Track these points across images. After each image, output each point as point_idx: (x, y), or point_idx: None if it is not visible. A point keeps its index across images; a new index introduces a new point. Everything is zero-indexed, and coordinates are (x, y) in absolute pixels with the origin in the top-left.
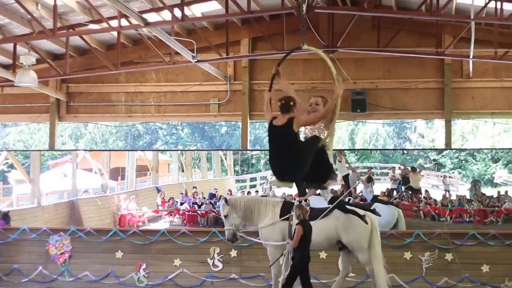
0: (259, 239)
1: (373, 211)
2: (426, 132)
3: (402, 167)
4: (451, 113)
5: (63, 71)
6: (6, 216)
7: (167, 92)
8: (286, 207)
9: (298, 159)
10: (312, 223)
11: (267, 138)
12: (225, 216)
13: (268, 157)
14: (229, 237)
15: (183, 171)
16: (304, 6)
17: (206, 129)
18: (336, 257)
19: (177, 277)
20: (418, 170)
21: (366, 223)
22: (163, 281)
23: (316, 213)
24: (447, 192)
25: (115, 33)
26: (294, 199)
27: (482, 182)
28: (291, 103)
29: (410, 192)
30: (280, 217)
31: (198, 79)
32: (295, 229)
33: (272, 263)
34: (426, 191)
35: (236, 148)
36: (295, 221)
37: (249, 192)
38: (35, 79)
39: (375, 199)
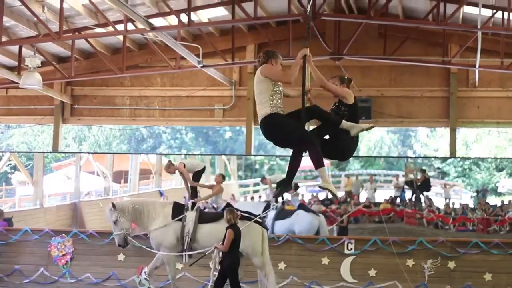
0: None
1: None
2: (429, 141)
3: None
4: (456, 122)
5: (68, 74)
6: (9, 221)
7: (171, 97)
8: (177, 208)
9: None
10: (206, 225)
11: (271, 144)
12: (114, 222)
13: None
14: (120, 242)
15: None
16: (310, 10)
17: (210, 134)
18: (338, 263)
19: (179, 280)
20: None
21: (267, 229)
22: (164, 284)
23: (209, 216)
24: (449, 200)
25: (121, 37)
26: (184, 198)
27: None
28: None
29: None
30: (172, 218)
31: (203, 84)
32: (225, 233)
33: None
34: (430, 199)
35: (240, 153)
36: (189, 223)
37: (252, 198)
38: (40, 81)
39: (301, 206)
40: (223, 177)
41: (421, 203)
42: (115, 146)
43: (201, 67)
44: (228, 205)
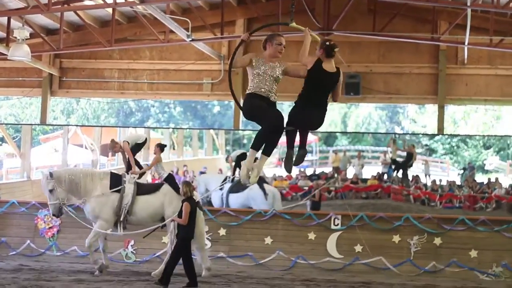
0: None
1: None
2: (418, 117)
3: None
4: (444, 99)
5: (56, 46)
6: None
7: (160, 70)
8: (115, 179)
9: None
10: (142, 198)
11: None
12: (50, 191)
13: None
14: (54, 212)
15: (174, 149)
16: None
17: (199, 108)
18: (324, 238)
19: (165, 254)
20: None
21: (201, 208)
22: (150, 257)
23: (146, 188)
24: (429, 176)
25: (110, 10)
26: (127, 172)
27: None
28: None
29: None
30: (110, 189)
31: (192, 58)
32: (181, 206)
33: (93, 237)
34: (417, 175)
35: (228, 128)
36: (129, 195)
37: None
38: (29, 53)
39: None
40: (162, 148)
41: (408, 179)
42: (103, 119)
43: (190, 41)
44: (170, 176)
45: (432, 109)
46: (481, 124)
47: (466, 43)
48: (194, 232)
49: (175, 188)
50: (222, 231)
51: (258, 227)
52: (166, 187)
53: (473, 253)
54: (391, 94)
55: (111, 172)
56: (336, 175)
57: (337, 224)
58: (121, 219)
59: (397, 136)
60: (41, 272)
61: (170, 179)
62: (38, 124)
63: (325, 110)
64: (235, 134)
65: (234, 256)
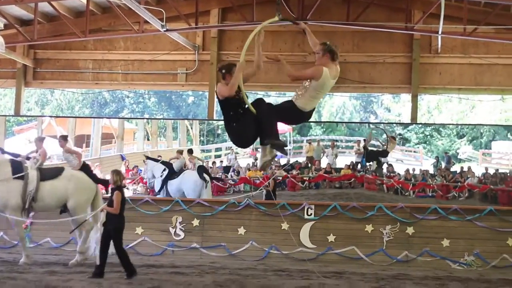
0: None
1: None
2: (392, 106)
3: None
4: (418, 88)
5: (30, 37)
6: None
7: (135, 61)
8: (16, 166)
9: None
10: (47, 183)
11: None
12: None
13: None
14: None
15: (148, 139)
16: None
17: (173, 98)
18: (298, 228)
19: (138, 245)
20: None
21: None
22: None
23: (48, 173)
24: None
25: (84, 0)
26: (28, 158)
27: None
28: None
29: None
30: (13, 176)
31: (167, 48)
32: (111, 195)
33: (19, 228)
34: (390, 165)
35: (202, 118)
36: (33, 181)
37: (214, 162)
38: (2, 44)
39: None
40: (65, 138)
41: (382, 169)
42: (78, 110)
43: (165, 31)
44: (85, 164)
45: (406, 98)
46: (455, 114)
47: (439, 32)
48: (124, 221)
49: (91, 177)
50: (196, 222)
51: (231, 217)
52: (68, 171)
53: (445, 242)
54: (365, 84)
55: (11, 159)
56: (310, 164)
57: (310, 214)
58: (26, 206)
59: (372, 126)
60: (14, 264)
61: (85, 168)
62: (12, 115)
63: None
64: (210, 124)
65: (208, 246)
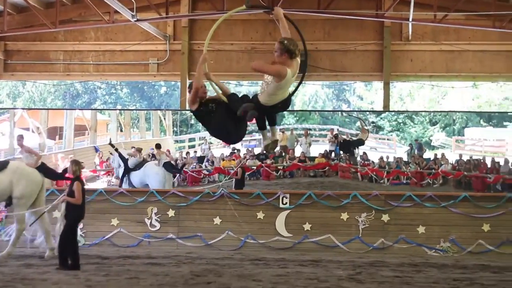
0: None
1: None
2: (365, 94)
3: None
4: (389, 76)
5: (0, 29)
6: None
7: (106, 51)
8: None
9: None
10: None
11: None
12: None
13: None
14: None
15: (121, 131)
16: None
17: (145, 89)
18: (273, 217)
19: (114, 236)
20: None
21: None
22: (100, 240)
23: None
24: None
25: None
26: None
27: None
28: None
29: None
30: None
31: (138, 38)
32: (71, 186)
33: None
34: (364, 153)
35: (175, 108)
36: None
37: (187, 153)
38: None
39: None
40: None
41: (356, 157)
42: (50, 102)
43: (135, 21)
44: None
45: (378, 86)
46: (427, 101)
47: (410, 19)
48: (84, 211)
49: (49, 174)
50: (171, 212)
51: (207, 207)
52: (14, 164)
53: (421, 229)
54: (337, 72)
55: None
56: (284, 154)
57: (286, 203)
58: None
59: (344, 114)
60: None
61: (42, 166)
62: None
63: None
64: (182, 114)
65: (183, 237)
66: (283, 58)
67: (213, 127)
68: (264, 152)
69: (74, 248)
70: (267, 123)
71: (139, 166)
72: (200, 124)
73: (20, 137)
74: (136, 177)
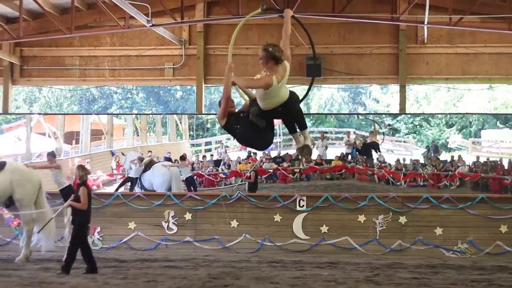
0: None
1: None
2: (381, 97)
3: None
4: (405, 78)
5: (16, 35)
6: None
7: (121, 56)
8: None
9: None
10: None
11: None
12: None
13: None
14: None
15: (138, 135)
16: None
17: (161, 93)
18: (290, 220)
19: (131, 240)
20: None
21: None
22: (117, 244)
23: None
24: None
25: None
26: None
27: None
28: None
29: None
30: None
31: (153, 43)
32: (77, 191)
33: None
34: (381, 155)
35: (191, 112)
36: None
37: (204, 156)
38: None
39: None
40: (53, 155)
41: (372, 159)
42: (66, 107)
43: (150, 26)
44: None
45: (394, 89)
46: (443, 103)
47: (425, 22)
48: (90, 216)
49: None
50: (188, 216)
51: (223, 210)
52: (11, 165)
53: (438, 231)
54: (352, 75)
55: None
56: (300, 157)
57: (303, 206)
58: None
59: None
60: (8, 261)
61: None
62: (0, 114)
63: None
64: (198, 118)
65: (201, 240)
66: (269, 65)
67: (239, 137)
68: (299, 156)
69: (87, 252)
70: (297, 127)
71: (148, 167)
72: (216, 128)
73: (50, 155)
74: (146, 178)
